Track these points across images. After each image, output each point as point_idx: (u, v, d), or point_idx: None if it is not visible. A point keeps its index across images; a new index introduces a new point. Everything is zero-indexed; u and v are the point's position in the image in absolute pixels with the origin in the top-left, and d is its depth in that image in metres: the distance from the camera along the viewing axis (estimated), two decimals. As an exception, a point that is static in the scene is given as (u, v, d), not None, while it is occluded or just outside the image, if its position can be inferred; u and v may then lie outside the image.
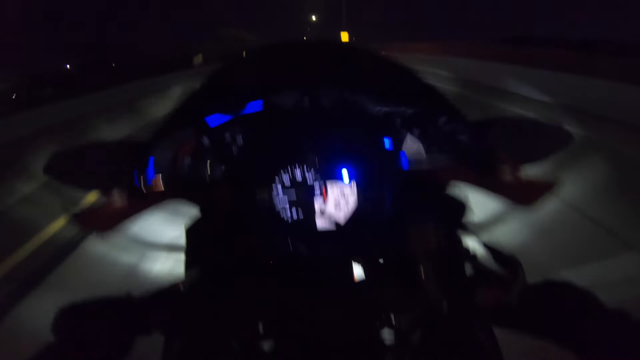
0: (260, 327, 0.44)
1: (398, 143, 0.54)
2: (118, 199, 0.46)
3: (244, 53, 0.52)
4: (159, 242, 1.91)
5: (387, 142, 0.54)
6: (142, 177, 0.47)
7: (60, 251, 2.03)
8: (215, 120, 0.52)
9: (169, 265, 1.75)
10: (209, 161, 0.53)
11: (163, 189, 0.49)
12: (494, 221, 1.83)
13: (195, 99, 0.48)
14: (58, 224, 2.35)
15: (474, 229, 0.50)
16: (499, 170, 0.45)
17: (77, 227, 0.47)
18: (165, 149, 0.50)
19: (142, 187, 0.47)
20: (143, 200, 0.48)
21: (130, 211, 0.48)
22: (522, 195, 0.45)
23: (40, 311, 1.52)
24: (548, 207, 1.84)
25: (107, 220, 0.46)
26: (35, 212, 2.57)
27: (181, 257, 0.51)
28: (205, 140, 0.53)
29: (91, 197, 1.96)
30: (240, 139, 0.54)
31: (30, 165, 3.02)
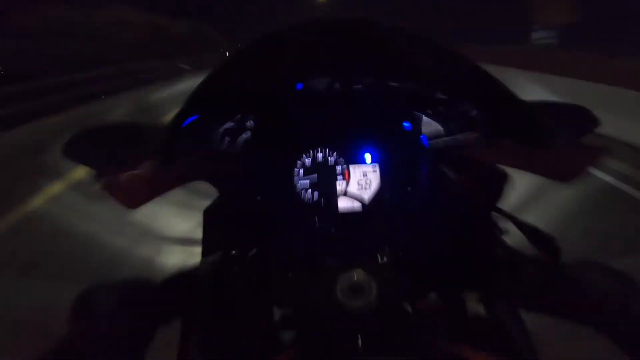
0: (279, 314, 0.44)
1: (421, 125, 0.54)
2: (150, 169, 0.43)
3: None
4: (172, 236, 1.94)
5: (410, 125, 0.54)
6: (173, 147, 0.45)
7: (75, 243, 2.08)
8: (239, 102, 0.51)
9: (182, 258, 1.79)
10: (232, 141, 0.53)
11: (193, 161, 0.48)
12: (528, 200, 1.78)
13: (224, 78, 0.45)
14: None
15: (508, 207, 0.48)
16: (545, 142, 0.40)
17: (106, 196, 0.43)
18: (196, 123, 0.49)
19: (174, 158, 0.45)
20: (173, 175, 0.47)
21: (159, 186, 0.46)
22: (565, 169, 0.42)
23: (53, 301, 1.57)
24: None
25: (137, 194, 0.44)
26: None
27: (194, 250, 0.51)
28: (230, 123, 0.53)
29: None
30: (263, 121, 0.54)
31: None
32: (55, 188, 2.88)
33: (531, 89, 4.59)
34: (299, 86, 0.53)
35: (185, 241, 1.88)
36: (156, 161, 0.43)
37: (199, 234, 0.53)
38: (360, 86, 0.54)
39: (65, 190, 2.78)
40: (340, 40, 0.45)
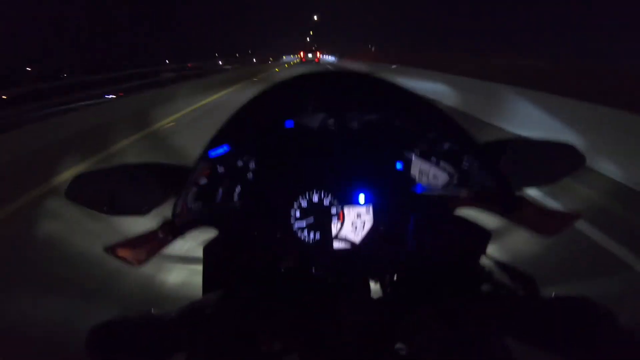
0: (279, 346, 0.45)
1: (412, 168, 0.55)
2: (156, 234, 0.48)
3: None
4: (173, 254, 1.94)
5: (402, 167, 0.56)
6: (178, 210, 0.49)
7: (78, 261, 2.08)
8: (235, 145, 0.53)
9: (183, 276, 1.78)
10: (229, 188, 0.55)
11: (195, 219, 0.51)
12: (504, 233, 1.83)
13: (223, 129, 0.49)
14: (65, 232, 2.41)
15: (489, 246, 0.51)
16: (519, 209, 0.45)
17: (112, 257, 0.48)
18: (195, 177, 0.52)
19: (178, 220, 0.49)
20: (176, 233, 0.50)
21: (163, 244, 0.50)
22: (543, 226, 0.45)
23: (56, 318, 1.56)
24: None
25: (143, 254, 0.48)
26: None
27: (194, 268, 0.53)
28: (225, 167, 0.55)
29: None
30: (260, 164, 0.56)
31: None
32: (55, 204, 2.88)
33: (521, 104, 4.73)
34: (290, 123, 0.54)
35: (185, 260, 1.89)
36: (162, 232, 0.47)
37: (198, 252, 0.55)
38: (355, 123, 0.56)
39: (66, 207, 2.78)
40: (332, 84, 0.50)
